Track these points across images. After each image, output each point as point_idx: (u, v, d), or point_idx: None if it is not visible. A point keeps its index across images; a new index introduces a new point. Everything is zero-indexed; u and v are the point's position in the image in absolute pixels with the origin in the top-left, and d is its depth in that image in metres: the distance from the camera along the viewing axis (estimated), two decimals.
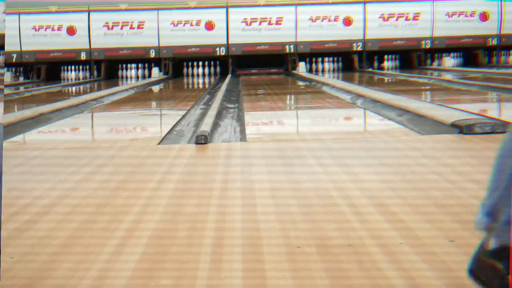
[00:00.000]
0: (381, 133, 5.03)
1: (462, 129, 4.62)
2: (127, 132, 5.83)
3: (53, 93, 11.92)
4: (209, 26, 16.38)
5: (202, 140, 4.63)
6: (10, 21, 16.29)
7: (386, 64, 16.98)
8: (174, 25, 16.39)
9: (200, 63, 17.02)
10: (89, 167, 3.87)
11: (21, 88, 13.56)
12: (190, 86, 13.90)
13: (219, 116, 6.63)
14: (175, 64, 16.85)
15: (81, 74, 16.83)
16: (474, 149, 4.00)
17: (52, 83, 14.89)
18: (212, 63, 17.03)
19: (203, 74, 16.90)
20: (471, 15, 16.53)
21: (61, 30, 16.37)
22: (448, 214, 2.54)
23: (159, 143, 4.87)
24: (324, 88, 10.78)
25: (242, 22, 16.35)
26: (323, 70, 16.37)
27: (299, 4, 16.31)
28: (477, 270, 1.60)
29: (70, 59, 16.53)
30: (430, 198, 2.81)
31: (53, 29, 16.36)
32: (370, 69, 16.59)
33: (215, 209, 2.76)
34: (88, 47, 16.36)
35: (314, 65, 16.58)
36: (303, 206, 2.77)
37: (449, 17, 16.51)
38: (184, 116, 7.00)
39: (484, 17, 16.52)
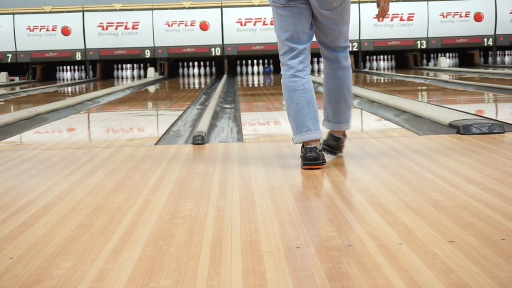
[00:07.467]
0: (378, 133, 5.04)
1: (459, 129, 4.63)
2: (123, 133, 5.83)
3: (49, 94, 11.91)
4: (204, 26, 16.38)
5: (199, 140, 4.63)
6: (4, 21, 16.28)
7: (381, 64, 17.00)
8: (168, 26, 16.39)
9: (196, 63, 17.02)
10: (86, 168, 3.87)
11: (17, 89, 13.55)
12: (186, 86, 13.90)
13: (215, 116, 6.63)
14: (170, 64, 16.85)
15: (76, 74, 16.82)
16: (472, 150, 4.01)
17: (48, 84, 14.88)
18: (207, 63, 17.03)
19: (199, 74, 16.90)
20: (465, 16, 16.56)
21: (55, 30, 16.36)
22: (447, 214, 2.54)
23: (156, 144, 4.87)
24: (320, 89, 10.77)
25: (237, 22, 16.35)
26: (318, 71, 16.38)
27: None
28: None
29: (65, 59, 16.52)
30: (429, 198, 2.82)
31: (47, 30, 16.35)
32: (366, 69, 16.61)
33: (213, 209, 2.75)
34: (83, 47, 16.35)
35: None
36: (302, 206, 2.77)
37: (444, 17, 16.54)
38: (180, 116, 7.00)
39: (478, 17, 16.55)
